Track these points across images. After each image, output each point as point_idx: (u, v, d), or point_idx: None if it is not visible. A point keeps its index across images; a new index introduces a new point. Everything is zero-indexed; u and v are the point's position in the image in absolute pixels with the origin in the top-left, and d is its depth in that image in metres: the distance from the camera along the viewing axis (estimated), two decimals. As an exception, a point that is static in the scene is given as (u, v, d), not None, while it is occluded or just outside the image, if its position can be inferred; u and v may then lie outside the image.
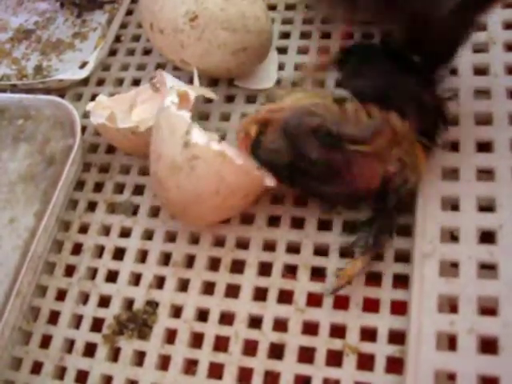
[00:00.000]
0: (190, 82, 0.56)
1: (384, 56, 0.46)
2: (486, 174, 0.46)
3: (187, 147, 0.43)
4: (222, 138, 0.53)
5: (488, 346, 0.39)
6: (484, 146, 0.48)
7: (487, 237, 0.43)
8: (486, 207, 0.45)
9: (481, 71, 0.52)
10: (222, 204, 0.45)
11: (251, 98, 0.58)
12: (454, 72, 0.51)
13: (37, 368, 0.48)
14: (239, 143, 0.46)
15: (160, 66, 0.63)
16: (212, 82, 0.59)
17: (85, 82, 0.65)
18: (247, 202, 0.47)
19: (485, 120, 0.48)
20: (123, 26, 0.69)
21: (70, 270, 0.52)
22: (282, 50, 0.61)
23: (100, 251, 0.52)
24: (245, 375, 0.44)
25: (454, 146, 0.48)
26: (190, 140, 0.43)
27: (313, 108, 0.43)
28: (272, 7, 0.64)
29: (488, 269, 0.42)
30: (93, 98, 0.63)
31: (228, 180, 0.43)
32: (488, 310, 0.40)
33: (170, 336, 0.47)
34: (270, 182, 0.45)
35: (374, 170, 0.43)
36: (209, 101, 0.57)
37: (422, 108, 0.44)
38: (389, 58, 0.46)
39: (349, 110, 0.42)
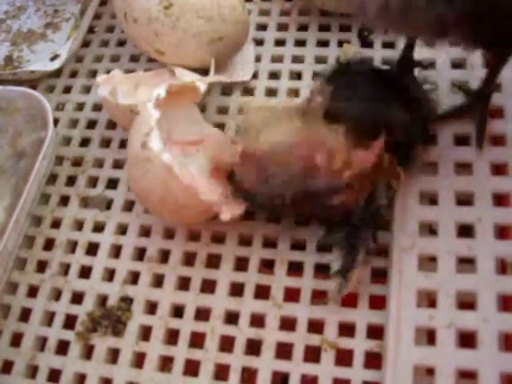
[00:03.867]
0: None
1: (373, 78, 0.46)
2: (463, 167, 0.46)
3: (144, 148, 0.43)
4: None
5: (467, 340, 0.39)
6: (462, 140, 0.47)
7: (466, 231, 0.43)
8: (465, 201, 0.44)
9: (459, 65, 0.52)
10: (169, 210, 0.45)
11: (227, 90, 0.57)
12: (431, 65, 0.51)
13: (7, 367, 0.47)
14: (211, 173, 0.46)
15: (134, 58, 0.63)
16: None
17: (57, 73, 0.63)
18: (194, 218, 0.47)
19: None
20: (97, 16, 0.68)
21: (41, 266, 0.51)
22: (259, 42, 0.60)
23: (73, 246, 0.51)
24: (221, 372, 0.43)
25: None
26: (147, 142, 0.43)
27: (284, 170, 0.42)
28: (248, -2, 0.63)
29: (467, 263, 0.42)
30: (65, 89, 0.62)
31: (173, 192, 0.43)
32: (467, 304, 0.40)
33: (145, 333, 0.46)
34: (225, 216, 0.44)
35: (350, 201, 0.42)
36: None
37: (408, 133, 0.44)
38: (377, 81, 0.45)
39: (320, 159, 0.41)
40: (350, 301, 0.43)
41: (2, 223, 0.51)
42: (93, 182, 0.55)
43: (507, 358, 0.38)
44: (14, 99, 0.57)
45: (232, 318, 0.45)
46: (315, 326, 0.43)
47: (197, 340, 0.44)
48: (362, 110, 0.43)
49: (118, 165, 0.55)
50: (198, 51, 0.53)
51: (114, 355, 0.46)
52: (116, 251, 0.50)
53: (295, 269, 0.46)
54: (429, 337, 0.40)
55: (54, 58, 0.62)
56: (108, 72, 0.59)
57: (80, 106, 0.61)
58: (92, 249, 0.51)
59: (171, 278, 0.47)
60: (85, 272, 0.50)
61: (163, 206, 0.45)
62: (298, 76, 0.57)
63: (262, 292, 0.45)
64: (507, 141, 0.46)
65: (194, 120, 0.51)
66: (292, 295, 0.44)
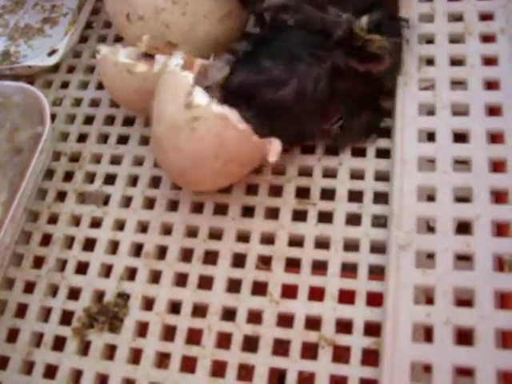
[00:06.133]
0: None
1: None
2: (462, 164, 0.46)
3: (189, 108, 0.42)
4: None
5: (464, 337, 0.39)
6: (460, 137, 0.47)
7: (464, 227, 0.43)
8: (463, 198, 0.44)
9: (457, 62, 0.51)
10: (222, 169, 0.44)
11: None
12: (430, 62, 0.51)
13: (3, 363, 0.47)
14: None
15: (132, 53, 0.62)
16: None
17: (55, 68, 0.63)
18: (247, 169, 0.47)
19: (461, 111, 0.48)
20: (95, 11, 0.67)
21: (38, 262, 0.51)
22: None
23: (70, 242, 0.51)
24: (218, 368, 0.43)
25: (431, 137, 0.47)
26: (192, 101, 0.42)
27: None
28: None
29: (464, 260, 0.42)
30: (63, 85, 0.62)
31: (228, 144, 0.42)
32: (464, 301, 0.40)
33: (142, 329, 0.46)
34: (272, 157, 0.44)
35: None
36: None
37: None
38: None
39: None
40: (347, 297, 0.43)
41: (-1, 218, 0.51)
42: (90, 177, 0.55)
43: (504, 355, 0.38)
44: (11, 94, 0.57)
45: (229, 314, 0.45)
46: (312, 323, 0.43)
47: (194, 336, 0.44)
48: None
49: (115, 160, 0.55)
50: (210, 32, 0.52)
51: (110, 351, 0.46)
52: (113, 247, 0.50)
53: (293, 265, 0.45)
54: (426, 334, 0.40)
55: (51, 53, 0.62)
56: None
57: (77, 102, 0.60)
58: (89, 244, 0.50)
59: (168, 274, 0.47)
60: (81, 268, 0.49)
61: (214, 165, 0.44)
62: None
63: (260, 288, 0.45)
64: (506, 138, 0.46)
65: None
66: (289, 292, 0.44)
